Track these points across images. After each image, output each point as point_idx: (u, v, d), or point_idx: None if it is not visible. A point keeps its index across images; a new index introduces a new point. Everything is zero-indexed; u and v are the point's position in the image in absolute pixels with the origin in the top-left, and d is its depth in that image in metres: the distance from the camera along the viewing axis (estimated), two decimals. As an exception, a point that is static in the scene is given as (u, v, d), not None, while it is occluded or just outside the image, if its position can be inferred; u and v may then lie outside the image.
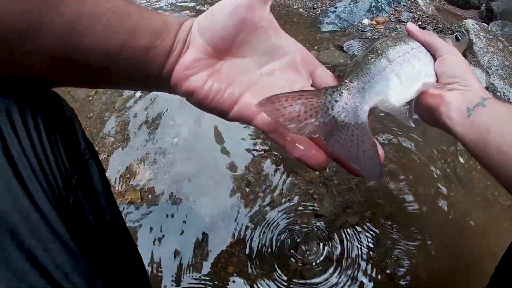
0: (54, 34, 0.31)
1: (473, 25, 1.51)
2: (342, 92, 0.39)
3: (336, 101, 0.38)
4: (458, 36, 0.67)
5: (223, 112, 0.39)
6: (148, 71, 0.37)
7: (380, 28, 1.54)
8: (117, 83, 0.41)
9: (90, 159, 0.40)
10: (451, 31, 1.55)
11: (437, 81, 0.55)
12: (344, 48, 0.55)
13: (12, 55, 0.31)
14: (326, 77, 0.42)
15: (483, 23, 1.67)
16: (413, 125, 0.47)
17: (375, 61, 0.48)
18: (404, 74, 0.50)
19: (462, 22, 1.53)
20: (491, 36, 1.51)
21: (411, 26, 0.59)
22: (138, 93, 1.29)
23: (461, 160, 1.04)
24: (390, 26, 1.55)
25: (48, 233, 0.28)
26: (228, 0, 0.37)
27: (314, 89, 0.40)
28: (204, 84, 0.37)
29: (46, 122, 0.34)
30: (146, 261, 0.87)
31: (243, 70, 0.39)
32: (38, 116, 0.34)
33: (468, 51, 1.45)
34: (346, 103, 0.39)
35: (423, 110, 0.55)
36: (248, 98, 0.38)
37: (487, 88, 1.29)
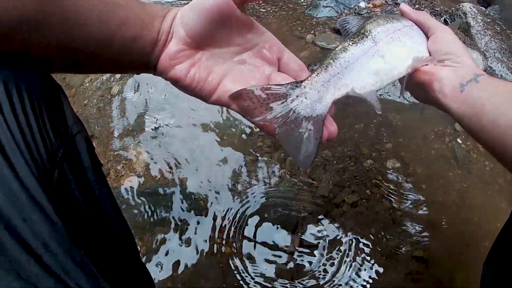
0: (56, 24, 0.34)
1: (470, 8, 1.49)
2: (304, 87, 0.43)
3: (297, 96, 0.42)
4: (447, 19, 0.67)
5: (204, 97, 0.44)
6: (136, 59, 0.41)
7: (377, 11, 1.52)
8: (106, 69, 0.46)
9: (78, 133, 0.39)
10: (449, 14, 1.53)
11: None
12: (338, 25, 0.55)
13: (25, 45, 0.34)
14: (292, 62, 0.46)
15: (480, 7, 1.65)
16: (380, 112, 0.48)
17: (356, 45, 0.48)
18: (392, 53, 0.50)
19: (459, 5, 1.51)
20: (488, 20, 1.50)
21: (405, 7, 0.58)
22: (133, 79, 1.27)
23: (459, 140, 1.04)
24: (387, 9, 1.53)
25: (28, 203, 0.27)
26: None
27: (281, 84, 0.43)
28: (188, 73, 0.42)
29: (31, 96, 0.34)
30: (140, 242, 0.87)
31: (220, 60, 0.44)
32: (23, 89, 0.33)
33: (465, 34, 1.44)
34: (306, 97, 0.42)
35: (415, 87, 0.54)
36: (226, 84, 0.43)
37: (484, 71, 1.29)
